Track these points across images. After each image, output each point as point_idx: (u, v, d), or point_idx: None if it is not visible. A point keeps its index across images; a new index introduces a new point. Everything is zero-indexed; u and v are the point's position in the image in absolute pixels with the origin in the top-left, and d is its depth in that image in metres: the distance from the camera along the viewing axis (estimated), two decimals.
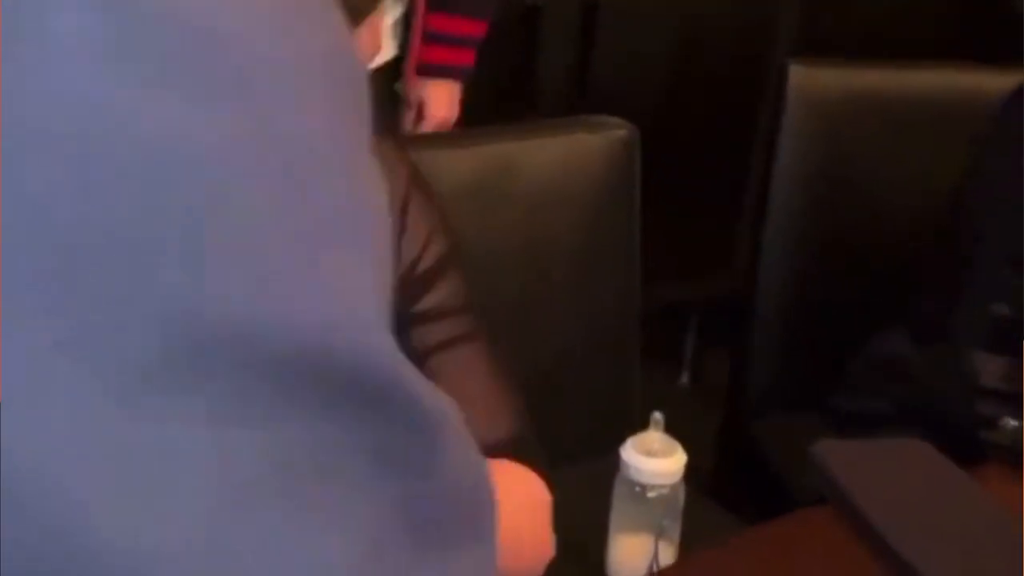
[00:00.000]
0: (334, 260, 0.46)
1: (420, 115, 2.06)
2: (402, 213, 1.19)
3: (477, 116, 2.08)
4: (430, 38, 2.03)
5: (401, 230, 1.19)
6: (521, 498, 1.13)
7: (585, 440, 1.55)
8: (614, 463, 1.28)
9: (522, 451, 1.16)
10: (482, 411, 1.18)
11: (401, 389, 0.49)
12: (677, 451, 1.27)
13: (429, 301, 1.19)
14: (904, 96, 1.85)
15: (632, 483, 1.27)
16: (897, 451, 1.12)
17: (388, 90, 2.03)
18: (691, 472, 1.27)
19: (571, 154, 1.55)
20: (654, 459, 1.26)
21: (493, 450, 1.15)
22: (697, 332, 3.07)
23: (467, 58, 2.08)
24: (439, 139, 1.80)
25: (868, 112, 1.84)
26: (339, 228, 0.47)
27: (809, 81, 1.83)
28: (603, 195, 1.56)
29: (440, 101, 2.06)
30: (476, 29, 2.07)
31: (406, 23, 2.02)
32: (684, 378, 3.07)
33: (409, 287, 1.19)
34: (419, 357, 1.18)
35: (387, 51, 2.01)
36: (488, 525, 0.57)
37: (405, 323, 1.18)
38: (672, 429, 1.28)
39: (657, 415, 1.28)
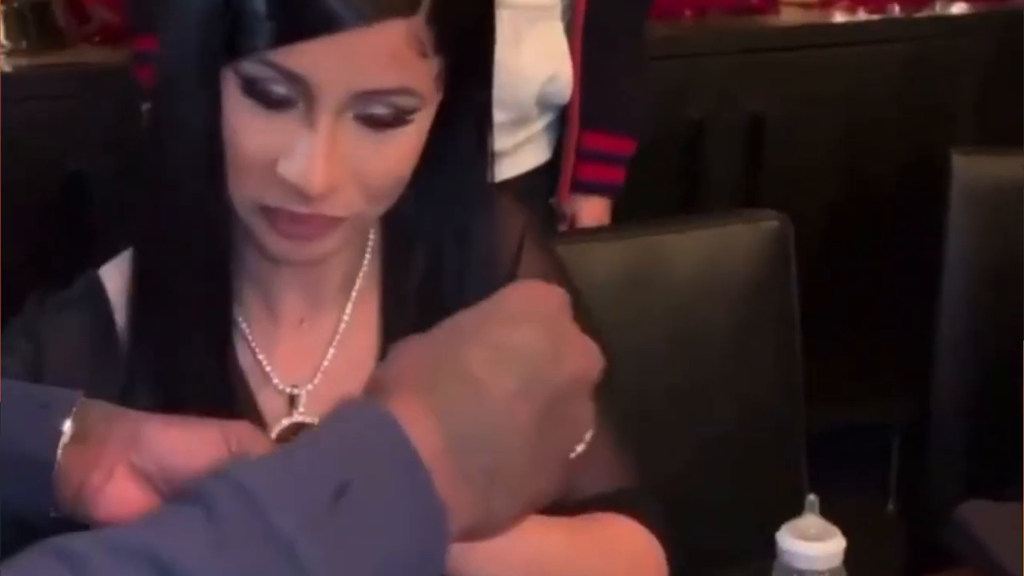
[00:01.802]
0: None
1: (572, 228, 2.09)
2: (514, 262, 1.19)
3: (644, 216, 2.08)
4: (584, 155, 2.06)
5: (512, 279, 1.18)
6: (623, 553, 1.11)
7: (749, 535, 1.51)
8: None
9: (630, 504, 1.13)
10: (586, 463, 1.17)
11: None
12: (835, 535, 1.23)
13: None
14: None
15: (789, 570, 1.23)
16: None
17: (542, 195, 2.06)
18: None
19: (722, 245, 1.54)
20: (811, 543, 1.22)
21: (597, 501, 1.13)
22: (900, 454, 2.94)
23: (619, 176, 2.11)
24: (591, 231, 1.81)
25: None
26: None
27: (973, 170, 1.80)
28: (757, 285, 1.54)
29: (592, 215, 2.10)
30: (629, 147, 2.10)
31: (559, 128, 2.05)
32: (891, 505, 2.94)
33: None
34: None
35: (540, 155, 2.04)
36: None
37: None
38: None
39: (811, 497, 1.24)
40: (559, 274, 1.22)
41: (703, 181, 2.63)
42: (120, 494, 0.92)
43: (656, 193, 2.49)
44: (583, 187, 2.08)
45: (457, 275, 1.15)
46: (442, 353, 0.77)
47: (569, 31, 2.00)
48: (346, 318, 1.15)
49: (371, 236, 1.17)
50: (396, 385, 0.75)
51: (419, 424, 0.72)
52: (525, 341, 0.78)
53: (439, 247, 1.15)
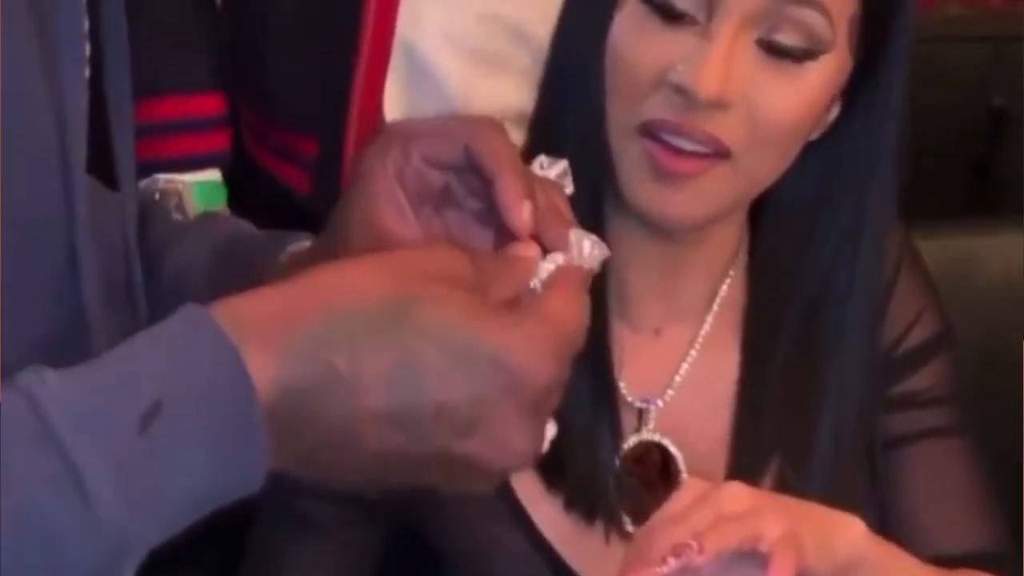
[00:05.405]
0: None
1: None
2: (890, 286, 1.12)
3: (933, 214, 2.00)
4: None
5: (886, 304, 1.12)
6: None
7: None
8: None
9: (999, 569, 1.06)
10: (953, 515, 1.09)
11: None
12: None
13: (909, 385, 1.12)
14: None
15: None
16: None
17: None
18: None
19: None
20: None
21: (962, 560, 1.07)
22: None
23: None
24: None
25: None
26: None
27: None
28: None
29: None
30: None
31: None
32: None
33: (889, 367, 1.12)
34: (891, 444, 1.11)
35: None
36: None
37: (883, 405, 1.11)
38: None
39: None
40: (935, 303, 1.15)
41: (1003, 175, 2.51)
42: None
43: (949, 186, 2.40)
44: None
45: (840, 305, 1.08)
46: (359, 318, 0.61)
47: None
48: (704, 333, 1.10)
49: (740, 252, 1.11)
50: (271, 319, 0.62)
51: (262, 373, 0.60)
52: (452, 398, 0.61)
53: (828, 271, 1.08)
